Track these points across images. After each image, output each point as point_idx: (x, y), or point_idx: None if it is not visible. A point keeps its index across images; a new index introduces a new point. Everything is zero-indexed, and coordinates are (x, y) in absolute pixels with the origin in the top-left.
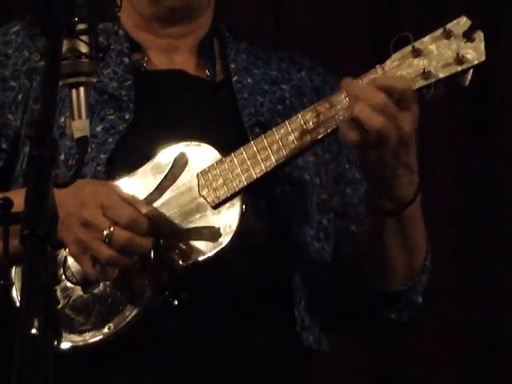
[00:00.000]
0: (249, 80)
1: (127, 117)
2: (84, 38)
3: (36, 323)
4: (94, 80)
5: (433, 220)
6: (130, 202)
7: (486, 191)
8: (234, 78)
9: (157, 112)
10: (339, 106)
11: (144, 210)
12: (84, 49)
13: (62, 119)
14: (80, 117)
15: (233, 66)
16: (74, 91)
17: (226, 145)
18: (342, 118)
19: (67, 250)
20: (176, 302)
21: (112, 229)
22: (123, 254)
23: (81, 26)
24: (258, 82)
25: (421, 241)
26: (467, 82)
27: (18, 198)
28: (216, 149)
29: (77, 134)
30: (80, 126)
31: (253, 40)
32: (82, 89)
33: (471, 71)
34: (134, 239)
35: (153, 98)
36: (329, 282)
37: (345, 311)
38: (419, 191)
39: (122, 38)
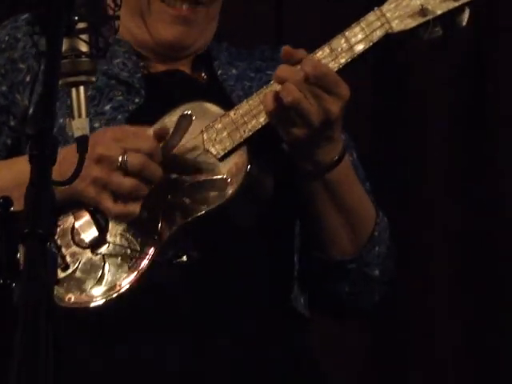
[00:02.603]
0: (233, 71)
1: (137, 100)
2: (84, 36)
3: (36, 322)
4: (94, 79)
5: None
6: (146, 134)
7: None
8: (219, 72)
9: (163, 102)
10: (339, 49)
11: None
12: (84, 48)
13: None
14: (80, 116)
15: (216, 62)
16: (73, 90)
17: None
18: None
19: (87, 195)
20: (185, 258)
21: (126, 155)
22: (141, 179)
23: (81, 25)
24: (243, 71)
25: (360, 207)
26: (464, 23)
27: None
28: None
29: (77, 133)
30: (80, 125)
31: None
32: (81, 88)
33: (468, 11)
34: (150, 163)
35: (159, 90)
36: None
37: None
38: (343, 155)
39: (126, 44)
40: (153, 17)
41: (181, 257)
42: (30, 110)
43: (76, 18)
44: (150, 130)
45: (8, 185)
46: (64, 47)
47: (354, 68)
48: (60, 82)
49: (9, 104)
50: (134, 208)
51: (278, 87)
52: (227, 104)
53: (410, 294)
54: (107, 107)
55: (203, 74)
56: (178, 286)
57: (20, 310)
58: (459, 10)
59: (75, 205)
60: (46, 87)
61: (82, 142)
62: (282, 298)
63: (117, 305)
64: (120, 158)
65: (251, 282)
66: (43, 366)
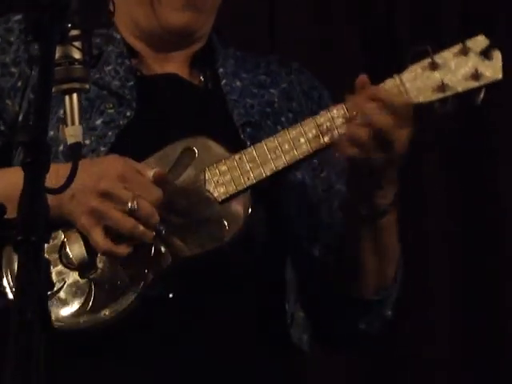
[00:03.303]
0: (237, 83)
1: (128, 114)
2: (77, 44)
3: (30, 329)
4: (87, 86)
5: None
6: (148, 172)
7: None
8: (223, 82)
9: (155, 113)
10: (354, 113)
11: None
12: (77, 55)
13: (62, 111)
14: (73, 123)
15: (221, 70)
16: (67, 97)
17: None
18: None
19: (80, 222)
20: (171, 295)
21: (136, 202)
22: (145, 226)
23: (74, 33)
24: (247, 85)
25: (393, 252)
26: (479, 100)
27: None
28: (224, 148)
29: (70, 140)
30: (73, 132)
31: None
32: (75, 95)
33: (484, 90)
34: (155, 213)
35: (152, 99)
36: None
37: (315, 318)
38: (396, 201)
39: (120, 42)
40: (163, 4)
41: (169, 293)
42: (21, 116)
43: (69, 25)
44: (150, 173)
45: None
46: (57, 54)
47: None
48: (53, 90)
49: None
50: (123, 250)
51: (286, 135)
52: (226, 119)
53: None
54: (98, 122)
55: (201, 77)
56: (164, 322)
57: (13, 316)
58: (477, 89)
59: (67, 223)
60: (40, 94)
61: (76, 150)
62: (273, 335)
63: (97, 333)
64: (130, 204)
65: (239, 321)
66: (35, 376)
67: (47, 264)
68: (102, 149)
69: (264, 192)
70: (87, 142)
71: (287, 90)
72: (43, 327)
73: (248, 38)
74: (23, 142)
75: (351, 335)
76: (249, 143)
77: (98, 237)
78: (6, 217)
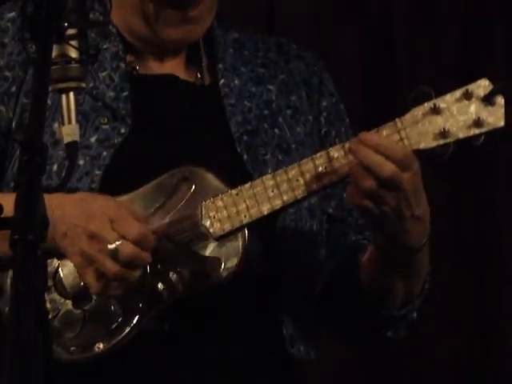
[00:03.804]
0: (236, 82)
1: (123, 131)
2: (74, 43)
3: (27, 328)
4: (84, 85)
5: None
6: (139, 217)
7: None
8: (222, 81)
9: (152, 123)
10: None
11: (152, 227)
12: (74, 54)
13: (56, 125)
14: (70, 122)
15: (220, 66)
16: (63, 96)
17: (216, 157)
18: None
19: (72, 261)
20: (167, 327)
21: (118, 242)
22: (128, 268)
23: (70, 32)
24: (246, 82)
25: (423, 271)
26: (480, 143)
27: (6, 202)
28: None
29: (67, 139)
30: (70, 131)
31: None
32: (71, 94)
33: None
34: (140, 253)
35: (147, 109)
36: (319, 293)
37: (338, 327)
38: (429, 236)
39: (116, 38)
40: (159, 21)
41: (163, 326)
42: (14, 123)
43: (66, 24)
44: (147, 219)
45: None
46: (54, 53)
47: None
48: (50, 88)
49: None
50: (115, 291)
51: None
52: (223, 128)
53: None
54: (93, 139)
55: (197, 74)
56: (161, 354)
57: (9, 315)
58: (478, 135)
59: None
60: (36, 94)
61: (72, 149)
62: (273, 362)
63: (90, 364)
64: (112, 246)
65: (236, 355)
66: (34, 374)
67: (44, 262)
68: (97, 172)
69: (262, 227)
70: (81, 162)
71: (286, 82)
72: (40, 326)
73: (246, 24)
74: (19, 141)
75: (377, 340)
76: (245, 157)
77: (90, 279)
78: (2, 216)
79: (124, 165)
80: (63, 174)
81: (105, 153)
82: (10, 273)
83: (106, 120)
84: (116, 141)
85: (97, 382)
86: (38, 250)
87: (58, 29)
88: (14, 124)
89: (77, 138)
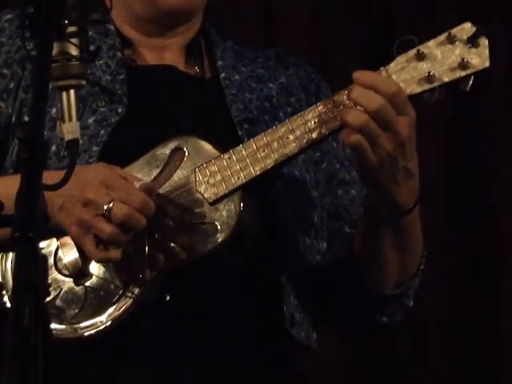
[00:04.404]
0: (236, 77)
1: (120, 110)
2: (74, 40)
3: (27, 325)
4: (84, 83)
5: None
6: (134, 181)
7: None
8: (222, 75)
9: (149, 106)
10: (341, 107)
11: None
12: (74, 51)
13: (54, 110)
14: (70, 119)
15: (220, 63)
16: (64, 94)
17: (217, 140)
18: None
19: (70, 232)
20: (168, 298)
21: (112, 204)
22: (123, 229)
23: (71, 29)
24: (246, 79)
25: (417, 246)
26: (468, 87)
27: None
28: (214, 147)
29: (67, 137)
30: (70, 129)
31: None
32: (72, 91)
33: (472, 77)
34: (133, 214)
35: (145, 92)
36: (317, 281)
37: (334, 313)
38: (419, 199)
39: (113, 33)
40: None
41: (165, 296)
42: (13, 118)
43: (66, 21)
44: (137, 184)
45: None
46: (54, 51)
47: None
48: (50, 86)
49: None
50: (115, 254)
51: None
52: (224, 114)
53: None
54: (90, 120)
55: (196, 68)
56: (163, 325)
57: (10, 313)
58: (465, 77)
59: (60, 231)
60: (37, 91)
61: (73, 146)
62: (272, 336)
63: (95, 339)
64: (105, 207)
65: (237, 322)
66: (33, 371)
67: (44, 260)
68: (95, 148)
69: (258, 190)
70: (80, 141)
71: (285, 85)
72: (41, 323)
73: (246, 38)
74: (20, 139)
75: (373, 327)
76: (246, 140)
77: (90, 246)
78: (3, 213)
79: (121, 141)
80: (61, 154)
81: (102, 131)
82: (10, 267)
83: (103, 103)
84: (113, 120)
85: (98, 356)
86: (38, 247)
87: (58, 26)
88: (13, 119)
89: (77, 135)
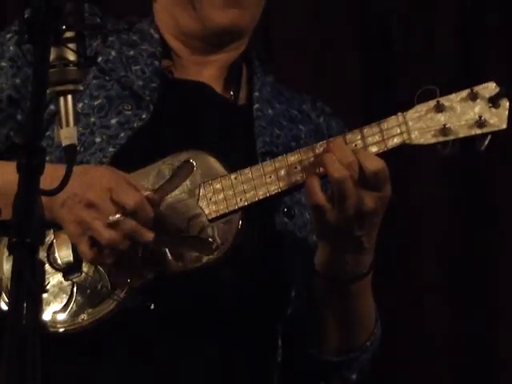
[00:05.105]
0: (269, 111)
1: (144, 116)
2: (71, 45)
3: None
4: (81, 88)
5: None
6: (138, 188)
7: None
8: (256, 106)
9: (174, 119)
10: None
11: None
12: (72, 57)
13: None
14: (68, 125)
15: (257, 94)
16: (61, 99)
17: (233, 165)
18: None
19: (68, 229)
20: (153, 306)
21: (118, 216)
22: (127, 239)
23: (68, 34)
24: (278, 115)
25: (363, 316)
26: (483, 147)
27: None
28: (223, 165)
29: (65, 142)
30: (68, 134)
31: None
32: (69, 97)
33: (489, 137)
34: (139, 229)
35: (174, 104)
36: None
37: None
38: (368, 273)
39: (156, 42)
40: (204, 5)
41: (150, 304)
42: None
43: (63, 27)
44: (145, 192)
45: None
46: (52, 56)
47: None
48: (48, 91)
49: (20, 98)
50: (108, 259)
51: (283, 162)
52: (249, 143)
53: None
54: (113, 121)
55: (231, 92)
56: (143, 333)
57: (7, 318)
58: (481, 136)
59: (58, 225)
60: (35, 97)
61: (70, 152)
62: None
63: (75, 335)
64: (111, 218)
65: (222, 343)
66: (30, 379)
67: (42, 266)
68: (111, 149)
69: (257, 215)
70: (98, 140)
71: (315, 131)
72: (36, 330)
73: None
74: (18, 145)
75: None
76: None
77: (85, 247)
78: (1, 219)
79: (138, 147)
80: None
81: (122, 134)
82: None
83: (129, 107)
84: (135, 125)
85: (83, 358)
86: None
87: (55, 31)
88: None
89: (75, 140)
